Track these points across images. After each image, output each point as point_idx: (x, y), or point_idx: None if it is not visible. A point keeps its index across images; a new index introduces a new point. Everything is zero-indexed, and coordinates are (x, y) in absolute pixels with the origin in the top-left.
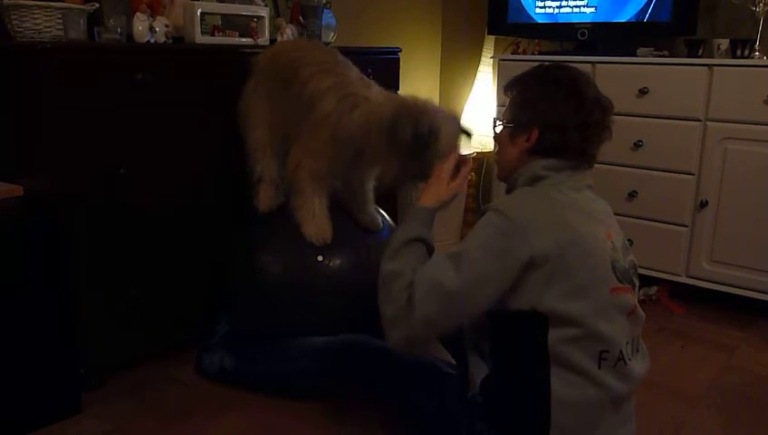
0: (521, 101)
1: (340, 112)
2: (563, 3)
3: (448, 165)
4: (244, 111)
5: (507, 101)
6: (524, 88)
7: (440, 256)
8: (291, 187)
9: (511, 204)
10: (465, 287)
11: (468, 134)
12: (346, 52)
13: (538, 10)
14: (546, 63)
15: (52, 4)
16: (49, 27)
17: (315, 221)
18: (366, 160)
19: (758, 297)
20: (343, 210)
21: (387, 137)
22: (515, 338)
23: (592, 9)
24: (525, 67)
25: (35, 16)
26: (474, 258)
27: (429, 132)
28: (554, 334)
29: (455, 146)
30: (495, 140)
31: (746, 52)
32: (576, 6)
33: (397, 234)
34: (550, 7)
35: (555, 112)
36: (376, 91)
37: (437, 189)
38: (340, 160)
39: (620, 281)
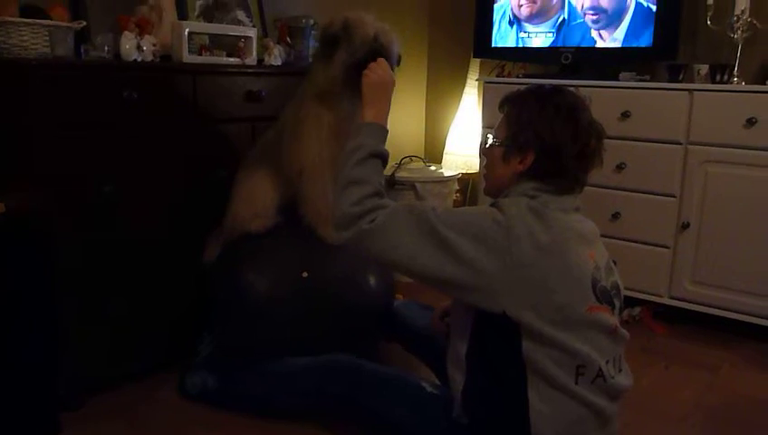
0: (518, 121)
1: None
2: (547, 28)
3: (374, 69)
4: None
5: (501, 117)
6: (523, 108)
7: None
8: (297, 194)
9: (510, 202)
10: (441, 230)
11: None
12: None
13: (522, 34)
14: (546, 85)
15: (38, 21)
16: (35, 44)
17: (327, 223)
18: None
19: (740, 318)
20: None
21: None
22: (492, 346)
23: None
24: (510, 90)
25: (22, 33)
26: (459, 218)
27: (341, 28)
28: (528, 346)
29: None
30: (485, 155)
31: (725, 77)
32: (556, 31)
33: (358, 145)
34: (533, 32)
35: (554, 139)
36: None
37: (376, 98)
38: (330, 141)
39: (599, 301)
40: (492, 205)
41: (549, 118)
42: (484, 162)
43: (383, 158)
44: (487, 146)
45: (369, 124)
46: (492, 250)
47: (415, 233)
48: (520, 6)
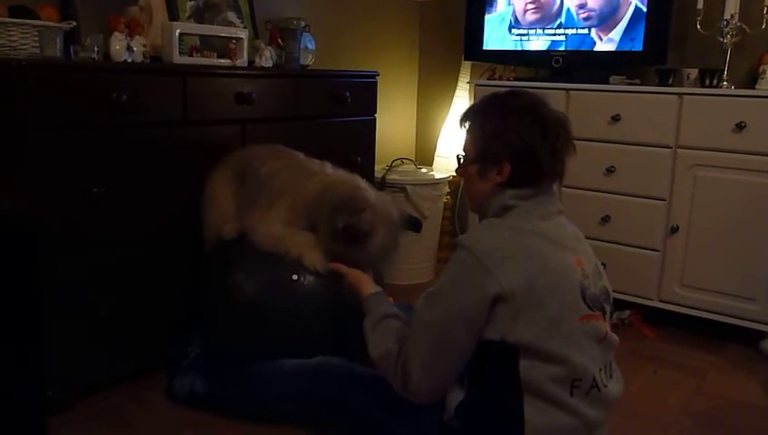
0: (484, 134)
1: (297, 182)
2: (538, 30)
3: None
4: (210, 193)
5: (466, 133)
6: (485, 120)
7: (418, 302)
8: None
9: (476, 238)
10: (443, 320)
11: (416, 226)
12: (324, 75)
13: (513, 37)
14: (499, 92)
15: (28, 21)
16: (25, 45)
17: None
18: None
19: (728, 321)
20: None
21: (328, 214)
22: (488, 367)
23: (564, 38)
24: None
25: (11, 33)
26: (445, 294)
27: (361, 233)
28: (525, 364)
29: (385, 249)
30: (461, 175)
31: (715, 81)
32: (551, 34)
33: (366, 325)
34: (525, 35)
35: (524, 142)
36: (330, 168)
37: (360, 279)
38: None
39: (590, 308)
40: (457, 245)
41: (513, 124)
42: (464, 182)
43: (386, 316)
44: (461, 166)
45: (364, 301)
46: (479, 296)
47: (431, 346)
48: (525, 12)
